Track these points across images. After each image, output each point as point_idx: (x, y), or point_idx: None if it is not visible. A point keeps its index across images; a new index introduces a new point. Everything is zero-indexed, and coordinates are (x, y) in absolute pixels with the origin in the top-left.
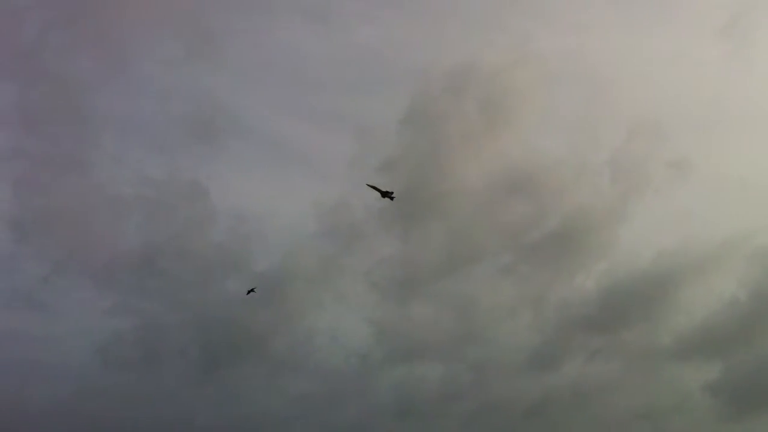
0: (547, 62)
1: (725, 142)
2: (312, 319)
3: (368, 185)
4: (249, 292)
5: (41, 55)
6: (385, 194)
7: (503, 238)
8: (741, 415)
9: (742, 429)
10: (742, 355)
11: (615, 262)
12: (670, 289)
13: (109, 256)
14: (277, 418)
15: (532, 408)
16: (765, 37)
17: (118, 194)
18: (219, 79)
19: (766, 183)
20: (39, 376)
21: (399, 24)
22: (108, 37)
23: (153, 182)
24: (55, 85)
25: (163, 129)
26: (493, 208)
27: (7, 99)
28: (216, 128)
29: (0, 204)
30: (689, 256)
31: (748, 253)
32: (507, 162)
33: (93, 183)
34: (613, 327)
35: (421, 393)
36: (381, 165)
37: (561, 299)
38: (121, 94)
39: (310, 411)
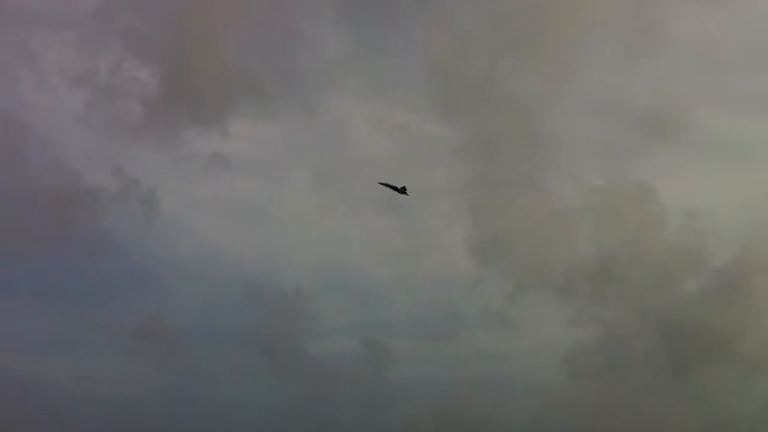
0: None
1: None
2: None
3: (380, 183)
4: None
5: (492, 83)
6: (399, 190)
7: None
8: None
9: None
10: None
11: None
12: None
13: (566, 268)
14: (749, 423)
15: None
16: None
17: (568, 207)
18: (658, 75)
19: None
20: (511, 391)
21: None
22: (551, 52)
23: (599, 189)
24: (508, 110)
25: (606, 134)
26: None
27: (467, 130)
28: (657, 125)
29: (462, 231)
30: None
31: None
32: None
33: (543, 200)
34: None
35: None
36: None
37: None
38: (568, 107)
39: None
